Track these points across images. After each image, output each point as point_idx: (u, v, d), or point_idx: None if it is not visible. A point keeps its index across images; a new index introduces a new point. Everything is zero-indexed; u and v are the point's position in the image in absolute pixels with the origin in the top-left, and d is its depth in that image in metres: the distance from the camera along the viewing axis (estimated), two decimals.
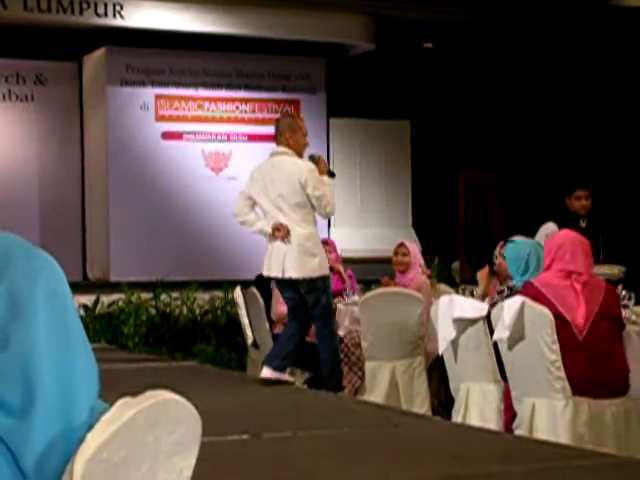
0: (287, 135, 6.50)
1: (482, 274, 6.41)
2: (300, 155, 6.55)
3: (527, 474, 2.58)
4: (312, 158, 6.66)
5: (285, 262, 6.43)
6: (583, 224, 7.70)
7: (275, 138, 6.64)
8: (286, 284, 6.59)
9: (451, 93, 13.08)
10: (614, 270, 7.02)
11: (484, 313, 5.59)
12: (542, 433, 5.03)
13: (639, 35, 11.58)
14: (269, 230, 6.44)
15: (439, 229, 12.95)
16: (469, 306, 5.74)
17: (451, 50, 12.74)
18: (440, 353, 5.91)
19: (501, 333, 5.26)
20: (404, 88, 12.85)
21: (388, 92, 12.78)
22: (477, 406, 5.66)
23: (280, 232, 6.39)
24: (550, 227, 7.42)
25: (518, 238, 6.00)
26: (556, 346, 5.06)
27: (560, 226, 6.93)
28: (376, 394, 6.84)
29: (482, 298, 6.26)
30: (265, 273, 6.64)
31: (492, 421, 5.51)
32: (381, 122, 12.51)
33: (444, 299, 5.95)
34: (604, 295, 5.22)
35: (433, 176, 13.12)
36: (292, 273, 6.44)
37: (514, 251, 5.80)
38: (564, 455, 2.90)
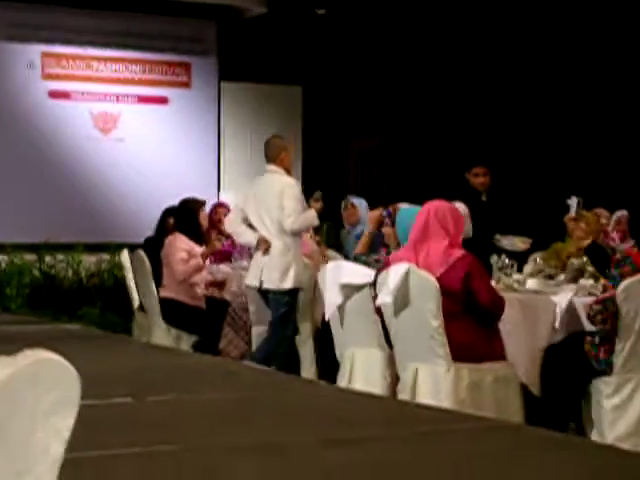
0: (282, 156, 6.98)
1: (373, 215, 6.48)
2: (289, 173, 7.04)
3: (409, 437, 2.63)
4: (316, 196, 7.07)
5: (262, 274, 6.77)
6: (484, 199, 7.81)
7: (267, 157, 7.02)
8: (264, 295, 6.89)
9: (344, 60, 13.10)
10: (517, 242, 7.10)
11: (371, 279, 5.64)
12: (424, 398, 5.13)
13: (549, 15, 11.78)
14: (254, 242, 6.84)
15: (329, 196, 12.98)
16: (356, 272, 5.79)
17: (344, 17, 12.75)
18: (327, 319, 5.96)
19: (384, 297, 5.31)
20: (297, 54, 12.81)
21: (281, 57, 12.73)
22: (362, 371, 5.73)
23: (262, 245, 6.76)
24: (459, 206, 7.35)
25: (404, 206, 6.06)
26: (440, 312, 5.14)
27: (464, 202, 6.95)
28: None
29: (370, 237, 6.40)
30: (246, 282, 6.98)
31: (376, 386, 5.59)
32: (273, 87, 12.47)
33: (331, 265, 6.00)
34: (444, 271, 5.15)
35: (324, 143, 13.14)
36: (268, 284, 6.78)
37: (401, 219, 5.85)
38: (445, 419, 2.96)
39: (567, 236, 6.46)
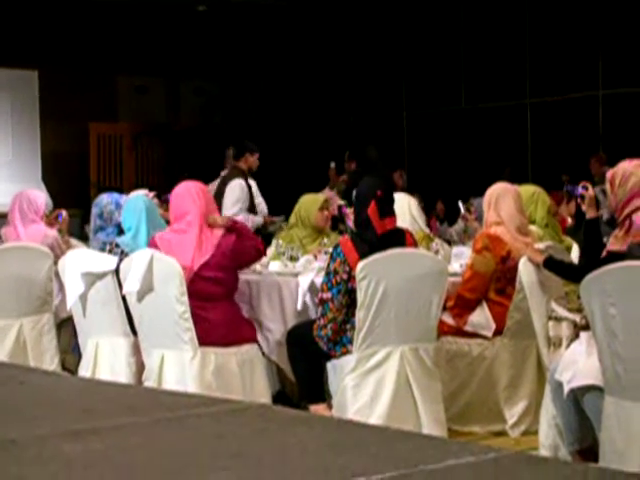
0: None
1: None
2: None
3: (153, 423, 2.60)
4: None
5: None
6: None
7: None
8: None
9: (80, 43, 12.81)
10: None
11: (113, 267, 5.56)
12: (171, 384, 5.10)
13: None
14: None
15: (70, 183, 12.69)
16: (98, 260, 5.68)
17: None
18: (68, 308, 5.82)
19: (131, 286, 5.24)
20: (32, 36, 12.40)
21: (15, 40, 12.29)
22: (107, 360, 5.64)
23: None
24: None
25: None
26: (185, 298, 5.12)
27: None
28: (1, 352, 6.61)
29: None
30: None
31: (122, 374, 5.51)
32: (7, 71, 12.01)
33: (72, 253, 5.86)
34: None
35: (64, 129, 12.82)
36: None
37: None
38: (190, 404, 2.94)
39: None
